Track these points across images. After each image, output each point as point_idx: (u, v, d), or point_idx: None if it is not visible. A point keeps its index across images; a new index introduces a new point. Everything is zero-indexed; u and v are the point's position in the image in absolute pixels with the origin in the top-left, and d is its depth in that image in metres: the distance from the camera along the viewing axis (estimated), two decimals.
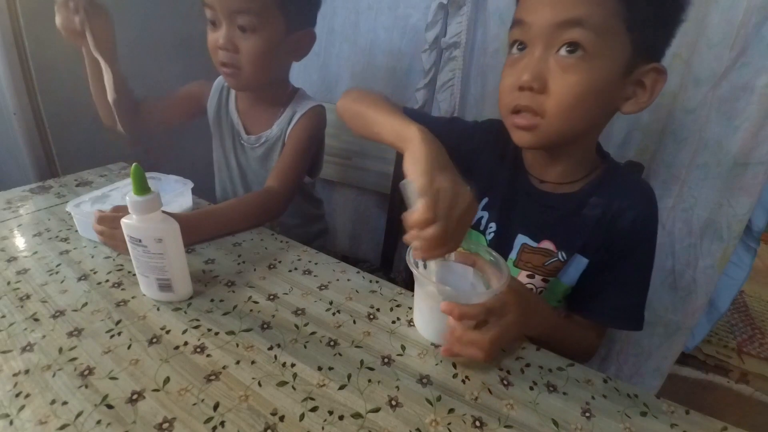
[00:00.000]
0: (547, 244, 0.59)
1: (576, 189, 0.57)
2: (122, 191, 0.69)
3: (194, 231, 0.61)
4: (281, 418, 0.37)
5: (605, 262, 0.58)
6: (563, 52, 0.46)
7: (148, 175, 0.70)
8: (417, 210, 0.40)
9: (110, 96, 0.71)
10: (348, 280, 0.58)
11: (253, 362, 0.43)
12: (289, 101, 0.81)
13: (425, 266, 0.48)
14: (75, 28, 0.64)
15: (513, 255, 0.61)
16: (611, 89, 0.48)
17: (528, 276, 0.61)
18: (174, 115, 0.87)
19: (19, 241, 0.61)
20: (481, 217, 0.64)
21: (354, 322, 0.50)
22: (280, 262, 0.61)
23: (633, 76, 0.48)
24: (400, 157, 0.99)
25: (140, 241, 0.47)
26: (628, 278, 0.58)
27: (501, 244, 0.61)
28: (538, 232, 0.59)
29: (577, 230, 0.57)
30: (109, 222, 0.56)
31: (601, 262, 0.58)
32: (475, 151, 0.64)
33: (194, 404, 0.38)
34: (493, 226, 0.62)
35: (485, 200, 0.64)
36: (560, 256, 0.58)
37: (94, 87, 0.74)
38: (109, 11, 0.66)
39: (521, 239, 0.60)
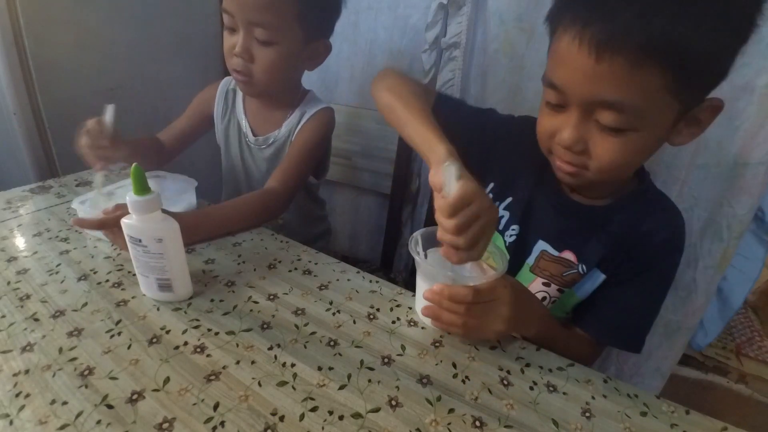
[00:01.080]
0: (568, 255, 0.57)
1: (606, 203, 0.56)
2: (128, 188, 0.68)
3: (193, 231, 0.60)
4: (281, 418, 0.37)
5: (619, 279, 0.56)
6: (601, 120, 0.44)
7: (152, 173, 0.70)
8: (454, 191, 0.41)
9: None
10: (348, 280, 0.58)
11: (253, 362, 0.43)
12: (299, 103, 0.81)
13: (425, 256, 0.50)
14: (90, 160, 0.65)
15: (531, 260, 0.60)
16: (659, 143, 0.47)
17: (544, 284, 0.59)
18: (193, 137, 0.88)
19: (19, 241, 0.61)
20: (502, 216, 0.62)
21: (354, 322, 0.50)
22: (280, 262, 0.61)
23: (684, 120, 0.46)
24: (400, 158, 1.00)
25: (140, 240, 0.47)
26: (637, 300, 0.56)
27: (520, 248, 0.60)
28: (561, 242, 0.58)
29: (600, 244, 0.56)
30: (112, 224, 0.55)
31: (616, 279, 0.56)
32: (506, 145, 0.62)
33: (194, 404, 0.38)
34: (516, 228, 0.60)
35: (509, 199, 0.62)
36: (580, 269, 0.57)
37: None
38: (123, 141, 0.67)
39: (541, 245, 0.59)
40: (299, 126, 0.79)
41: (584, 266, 0.57)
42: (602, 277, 0.57)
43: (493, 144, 0.62)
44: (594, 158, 0.47)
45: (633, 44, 0.38)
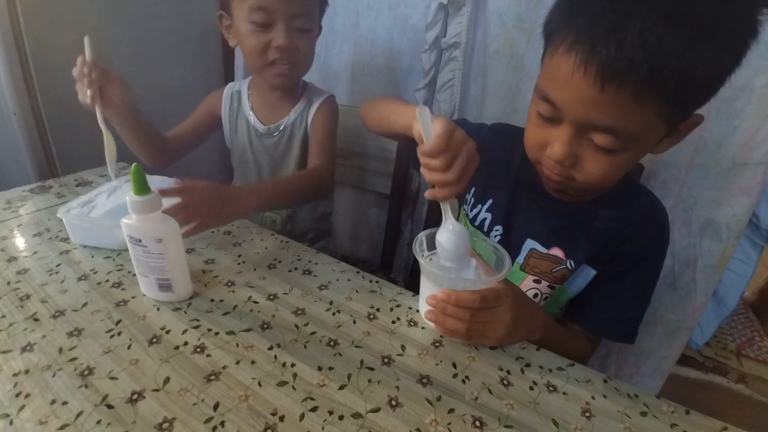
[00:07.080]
0: (556, 251, 0.58)
1: (590, 199, 0.57)
2: (107, 194, 0.67)
3: (267, 198, 0.65)
4: (281, 418, 0.37)
5: (610, 274, 0.57)
6: (595, 140, 0.44)
7: (125, 178, 0.69)
8: (433, 138, 0.44)
9: (133, 149, 0.77)
10: (348, 280, 0.58)
11: (253, 362, 0.43)
12: (303, 92, 0.84)
13: (430, 258, 0.50)
14: (87, 101, 0.66)
15: (520, 259, 0.61)
16: (643, 155, 0.49)
17: (534, 281, 0.60)
18: (199, 136, 0.89)
19: (19, 241, 0.61)
20: (485, 219, 0.63)
21: (354, 322, 0.50)
22: (280, 262, 0.61)
23: (669, 135, 0.46)
24: (400, 158, 1.00)
25: (140, 241, 0.47)
26: (630, 293, 0.58)
27: (508, 248, 0.61)
28: (549, 239, 0.59)
29: (587, 241, 0.57)
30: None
31: (607, 274, 0.58)
32: (481, 152, 0.63)
33: (194, 404, 0.38)
34: (499, 229, 0.62)
35: (489, 201, 0.63)
36: (568, 265, 0.58)
37: (126, 141, 0.77)
38: (122, 78, 0.69)
39: (530, 244, 0.60)
40: (311, 113, 0.82)
41: (572, 262, 0.58)
42: (593, 272, 0.58)
43: None
44: (583, 173, 0.47)
45: (639, 77, 0.38)
